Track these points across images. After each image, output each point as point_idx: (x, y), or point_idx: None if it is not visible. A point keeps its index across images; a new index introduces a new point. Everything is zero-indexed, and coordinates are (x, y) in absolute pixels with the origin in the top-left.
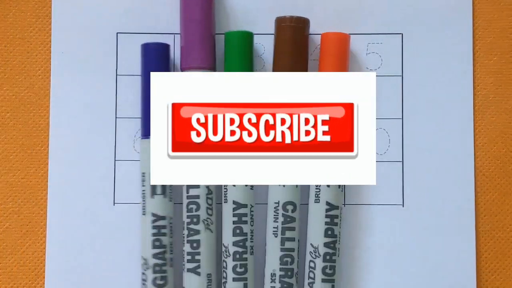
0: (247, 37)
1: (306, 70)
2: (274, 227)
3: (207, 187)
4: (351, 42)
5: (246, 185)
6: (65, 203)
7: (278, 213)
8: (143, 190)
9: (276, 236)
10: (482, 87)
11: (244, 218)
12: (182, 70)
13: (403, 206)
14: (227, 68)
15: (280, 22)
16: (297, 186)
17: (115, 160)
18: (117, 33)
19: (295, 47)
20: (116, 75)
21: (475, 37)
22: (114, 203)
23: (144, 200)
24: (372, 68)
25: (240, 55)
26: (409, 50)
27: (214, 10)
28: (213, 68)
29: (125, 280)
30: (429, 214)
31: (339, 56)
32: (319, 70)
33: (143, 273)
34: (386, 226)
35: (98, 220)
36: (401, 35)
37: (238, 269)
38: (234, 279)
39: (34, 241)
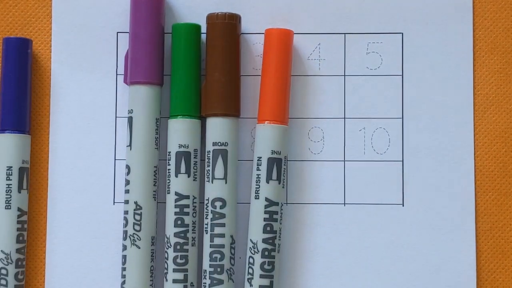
0: (194, 29)
1: (237, 69)
2: (205, 224)
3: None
4: (351, 42)
5: (189, 176)
6: (65, 203)
7: (208, 210)
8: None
9: (206, 233)
10: (482, 87)
11: (186, 210)
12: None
13: (403, 206)
14: (174, 62)
15: (211, 19)
16: (226, 182)
17: (115, 160)
18: (117, 33)
19: (227, 45)
20: (116, 75)
21: (475, 37)
22: (114, 202)
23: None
24: (372, 68)
25: (186, 47)
26: (409, 50)
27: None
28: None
29: None
30: (429, 214)
31: (282, 53)
32: (262, 68)
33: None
34: (386, 226)
35: (98, 219)
36: (401, 35)
37: (179, 260)
38: (174, 270)
39: (34, 241)
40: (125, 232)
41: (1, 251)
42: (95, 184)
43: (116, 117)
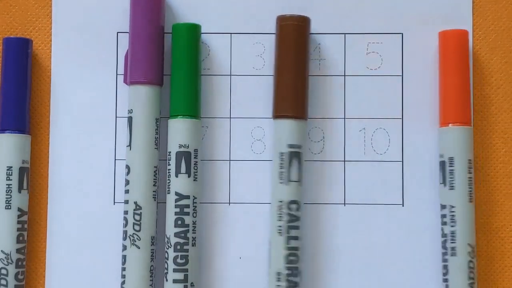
0: (194, 29)
1: (306, 69)
2: (279, 226)
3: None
4: (351, 42)
5: (189, 177)
6: (65, 203)
7: (282, 212)
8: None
9: (281, 235)
10: (482, 87)
11: (186, 210)
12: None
13: (403, 206)
14: (174, 61)
15: (282, 21)
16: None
17: (115, 160)
18: (117, 33)
19: (297, 45)
20: (116, 75)
21: (475, 37)
22: (114, 202)
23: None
24: (372, 68)
25: (186, 47)
26: (409, 50)
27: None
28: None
29: None
30: (429, 214)
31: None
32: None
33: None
34: (386, 226)
35: (98, 220)
36: (401, 35)
37: (179, 260)
38: (174, 270)
39: (34, 241)
40: (125, 232)
41: (1, 251)
42: (95, 184)
43: (116, 117)
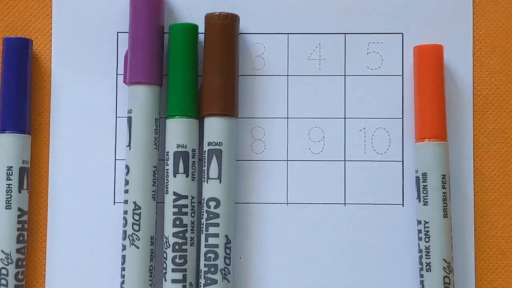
0: (192, 29)
1: (235, 69)
2: (201, 224)
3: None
4: (351, 42)
5: (187, 176)
6: (65, 203)
7: (203, 210)
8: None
9: (202, 233)
10: (482, 87)
11: (184, 210)
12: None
13: (403, 206)
14: (171, 61)
15: (209, 19)
16: (220, 182)
17: (115, 160)
18: (117, 33)
19: (224, 44)
20: (116, 75)
21: (475, 37)
22: (114, 202)
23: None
24: (372, 68)
25: (184, 47)
26: (409, 50)
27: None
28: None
29: None
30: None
31: (434, 71)
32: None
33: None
34: (386, 226)
35: (98, 220)
36: (401, 35)
37: (178, 260)
38: (173, 270)
39: (34, 241)
40: (124, 232)
41: (1, 251)
42: (95, 184)
43: (116, 117)
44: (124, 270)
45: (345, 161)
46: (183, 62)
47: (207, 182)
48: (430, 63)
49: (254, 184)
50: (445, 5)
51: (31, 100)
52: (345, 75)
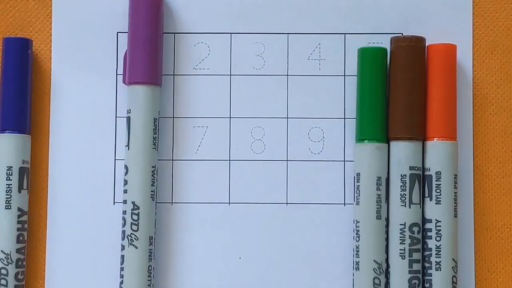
0: (381, 53)
1: (423, 85)
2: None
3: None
4: (351, 42)
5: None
6: (64, 203)
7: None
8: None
9: (403, 258)
10: (482, 86)
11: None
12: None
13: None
14: (361, 83)
15: (397, 42)
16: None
17: (115, 160)
18: (117, 33)
19: (413, 66)
20: (116, 75)
21: (475, 36)
22: (114, 202)
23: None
24: None
25: (373, 72)
26: None
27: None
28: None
29: None
30: None
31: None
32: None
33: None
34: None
35: (98, 220)
36: (401, 35)
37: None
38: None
39: (34, 241)
40: (123, 232)
41: (1, 251)
42: (95, 184)
43: (116, 117)
44: (123, 270)
45: (344, 161)
46: (372, 85)
47: (409, 207)
48: (443, 63)
49: (254, 184)
50: (445, 5)
51: (31, 100)
52: (344, 75)
